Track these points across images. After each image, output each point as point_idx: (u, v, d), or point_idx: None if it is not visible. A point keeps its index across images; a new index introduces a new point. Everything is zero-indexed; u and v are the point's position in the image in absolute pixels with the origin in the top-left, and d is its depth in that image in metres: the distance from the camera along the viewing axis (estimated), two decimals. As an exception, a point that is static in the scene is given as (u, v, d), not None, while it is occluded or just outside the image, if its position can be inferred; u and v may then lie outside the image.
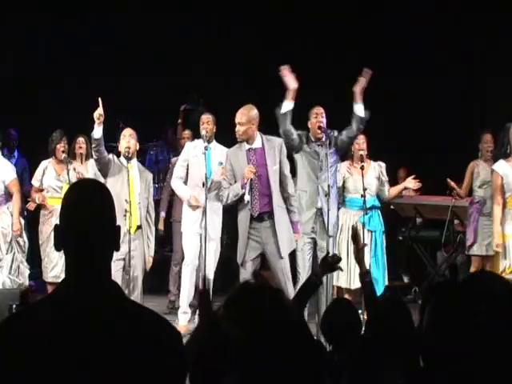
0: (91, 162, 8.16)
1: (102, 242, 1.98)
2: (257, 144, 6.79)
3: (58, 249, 2.01)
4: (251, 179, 6.62)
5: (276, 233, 6.63)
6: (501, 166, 7.33)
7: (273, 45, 10.92)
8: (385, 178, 7.77)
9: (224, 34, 11.10)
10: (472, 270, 7.74)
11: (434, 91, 10.59)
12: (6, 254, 7.55)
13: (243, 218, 6.71)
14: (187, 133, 8.89)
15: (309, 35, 10.89)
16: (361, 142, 7.56)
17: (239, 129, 6.72)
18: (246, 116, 6.73)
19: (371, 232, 7.58)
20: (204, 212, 7.29)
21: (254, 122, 6.75)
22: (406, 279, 9.93)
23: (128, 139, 6.99)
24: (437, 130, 10.65)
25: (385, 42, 10.62)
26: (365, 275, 4.15)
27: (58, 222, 2.05)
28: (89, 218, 1.97)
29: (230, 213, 8.04)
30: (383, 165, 7.80)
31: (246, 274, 6.42)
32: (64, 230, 1.99)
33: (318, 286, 4.08)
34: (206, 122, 7.63)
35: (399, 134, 10.59)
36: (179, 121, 10.43)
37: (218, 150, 7.58)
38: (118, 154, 7.06)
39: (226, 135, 7.71)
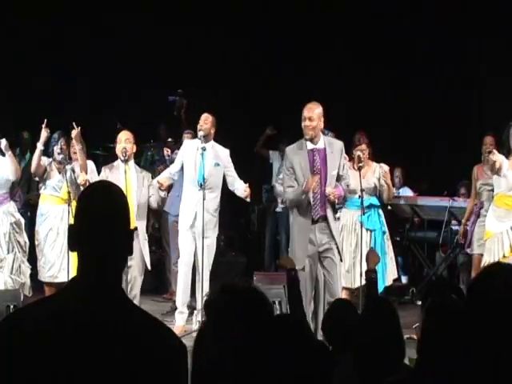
0: (88, 163, 8.13)
1: (115, 245, 1.97)
2: (320, 144, 6.35)
3: (72, 249, 2.00)
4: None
5: (333, 236, 6.35)
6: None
7: (272, 45, 10.92)
8: (384, 180, 7.63)
9: (222, 35, 11.09)
10: (473, 269, 7.69)
11: (433, 91, 10.58)
12: (8, 253, 7.51)
13: (303, 222, 6.29)
14: (188, 132, 8.82)
15: (309, 35, 10.88)
16: (358, 143, 7.49)
17: (310, 124, 6.22)
18: (317, 111, 6.28)
19: (370, 231, 7.54)
20: (200, 212, 7.22)
21: (322, 118, 6.31)
22: (404, 280, 9.92)
23: (124, 143, 7.03)
24: (436, 129, 10.64)
25: (385, 41, 10.62)
26: (370, 273, 4.21)
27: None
28: (104, 220, 1.96)
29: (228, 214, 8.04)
30: (386, 168, 7.66)
31: (305, 275, 6.12)
32: (78, 230, 1.98)
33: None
34: (204, 121, 7.42)
35: (398, 134, 10.57)
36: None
37: (214, 151, 7.44)
38: (115, 155, 7.05)
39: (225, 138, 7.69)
